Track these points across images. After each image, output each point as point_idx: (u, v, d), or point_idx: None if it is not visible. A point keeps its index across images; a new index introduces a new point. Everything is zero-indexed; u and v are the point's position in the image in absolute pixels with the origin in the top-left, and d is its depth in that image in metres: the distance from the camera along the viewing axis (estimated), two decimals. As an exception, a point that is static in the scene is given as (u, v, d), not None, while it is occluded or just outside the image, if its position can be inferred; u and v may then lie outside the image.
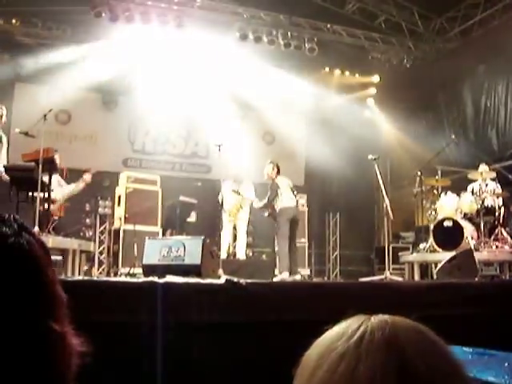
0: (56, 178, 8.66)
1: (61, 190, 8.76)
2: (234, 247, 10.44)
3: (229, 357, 3.09)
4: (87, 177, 9.11)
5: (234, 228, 10.38)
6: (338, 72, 13.60)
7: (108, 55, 12.07)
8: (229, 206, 10.00)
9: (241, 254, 10.20)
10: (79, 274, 7.60)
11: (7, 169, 7.66)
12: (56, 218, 8.36)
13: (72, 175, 8.50)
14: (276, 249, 9.36)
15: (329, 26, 12.18)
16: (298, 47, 12.09)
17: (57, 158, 7.82)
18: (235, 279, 3.98)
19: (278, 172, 9.56)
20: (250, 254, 12.49)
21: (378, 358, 0.79)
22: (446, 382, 0.79)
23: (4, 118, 8.00)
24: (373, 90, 14.23)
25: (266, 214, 9.68)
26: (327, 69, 13.38)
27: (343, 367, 0.80)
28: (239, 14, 11.71)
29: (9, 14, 11.02)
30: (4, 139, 8.01)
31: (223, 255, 9.31)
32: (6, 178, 7.60)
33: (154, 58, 12.51)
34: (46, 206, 7.66)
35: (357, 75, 13.86)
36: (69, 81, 12.01)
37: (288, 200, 9.37)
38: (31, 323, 0.84)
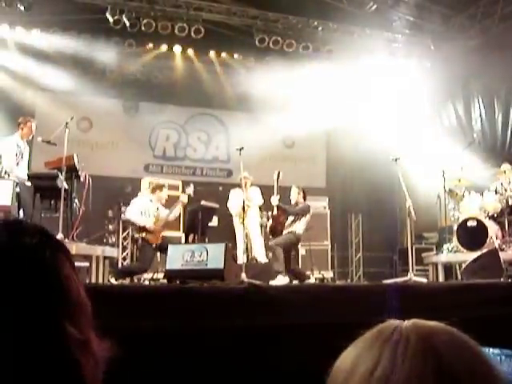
0: (156, 205, 8.90)
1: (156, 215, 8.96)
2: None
3: (253, 360, 3.09)
4: (183, 198, 9.31)
5: None
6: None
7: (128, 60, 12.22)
8: (235, 209, 10.00)
9: (261, 257, 10.16)
10: (103, 280, 7.66)
11: (30, 177, 7.77)
12: (154, 245, 8.60)
13: (95, 182, 8.54)
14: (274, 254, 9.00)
15: (347, 27, 12.14)
16: (316, 49, 12.08)
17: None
18: (257, 283, 3.99)
19: (305, 197, 9.34)
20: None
21: (415, 361, 0.78)
22: (484, 382, 0.79)
23: (32, 133, 8.19)
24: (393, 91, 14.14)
25: (268, 222, 9.48)
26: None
27: (380, 372, 0.79)
28: (256, 17, 11.72)
29: (30, 22, 11.14)
30: (27, 148, 8.17)
31: (243, 259, 9.27)
32: (25, 179, 7.70)
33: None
34: (69, 213, 7.75)
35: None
36: (90, 88, 12.15)
37: (303, 229, 9.17)
38: (54, 333, 0.84)
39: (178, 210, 9.25)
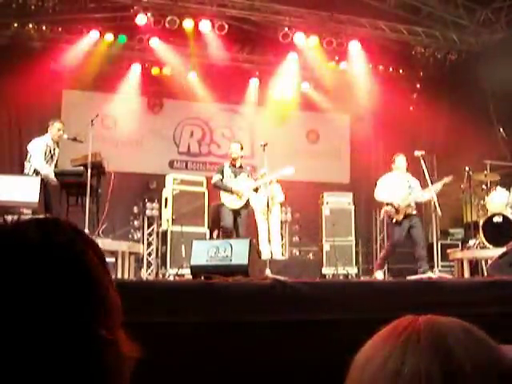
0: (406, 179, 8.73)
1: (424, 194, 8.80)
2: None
3: (277, 357, 3.10)
4: (448, 178, 8.73)
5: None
6: (381, 67, 13.44)
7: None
8: (258, 205, 9.97)
9: (277, 254, 10.16)
10: (129, 276, 7.73)
11: (57, 174, 7.88)
12: (395, 220, 8.48)
13: (120, 179, 8.61)
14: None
15: (370, 21, 12.05)
16: (340, 44, 12.04)
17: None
18: (282, 278, 3.99)
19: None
20: (297, 253, 12.49)
21: (424, 358, 0.79)
22: (493, 382, 0.79)
23: (60, 133, 8.29)
24: (418, 85, 14.03)
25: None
26: (370, 65, 13.22)
27: (390, 367, 0.80)
28: (280, 13, 11.69)
29: (54, 22, 11.26)
30: (57, 151, 8.31)
31: (267, 255, 9.26)
32: (55, 181, 7.84)
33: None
34: (95, 209, 7.84)
35: (400, 70, 13.71)
36: (114, 85, 12.27)
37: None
38: (82, 333, 0.85)
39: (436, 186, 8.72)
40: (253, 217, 10.51)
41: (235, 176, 9.17)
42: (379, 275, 8.43)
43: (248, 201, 9.10)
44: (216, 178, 9.15)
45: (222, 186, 9.05)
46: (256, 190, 9.21)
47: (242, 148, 9.38)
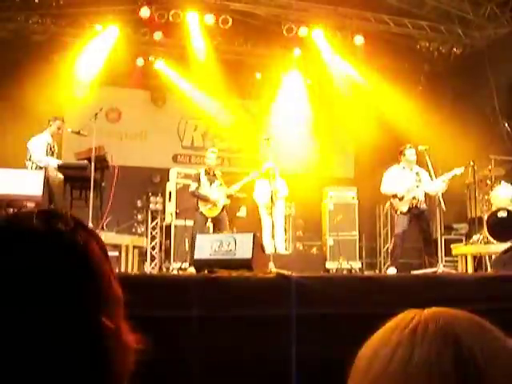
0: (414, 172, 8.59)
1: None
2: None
3: (280, 351, 3.10)
4: (459, 170, 8.33)
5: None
6: (385, 61, 13.39)
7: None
8: (262, 199, 9.98)
9: (281, 249, 10.16)
10: (132, 269, 7.74)
11: (60, 167, 7.88)
12: (399, 212, 8.36)
13: (124, 172, 8.62)
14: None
15: (375, 15, 12.02)
16: (345, 37, 12.01)
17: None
18: (286, 273, 3.99)
19: None
20: (301, 247, 12.47)
21: (433, 346, 0.78)
22: (505, 370, 0.78)
23: (60, 131, 8.30)
24: (422, 79, 13.99)
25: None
26: (375, 58, 13.18)
27: (398, 357, 0.79)
28: (284, 6, 11.67)
29: (58, 16, 11.25)
30: (56, 147, 8.33)
31: (271, 250, 9.26)
32: (55, 167, 7.81)
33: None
34: (99, 202, 7.85)
35: (405, 65, 13.67)
36: (118, 79, 12.27)
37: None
38: (84, 321, 0.85)
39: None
40: (256, 211, 10.51)
41: (210, 184, 9.45)
42: (391, 271, 8.41)
43: (223, 206, 9.37)
44: (193, 186, 9.41)
45: (200, 194, 9.29)
46: (230, 196, 9.54)
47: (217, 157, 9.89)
